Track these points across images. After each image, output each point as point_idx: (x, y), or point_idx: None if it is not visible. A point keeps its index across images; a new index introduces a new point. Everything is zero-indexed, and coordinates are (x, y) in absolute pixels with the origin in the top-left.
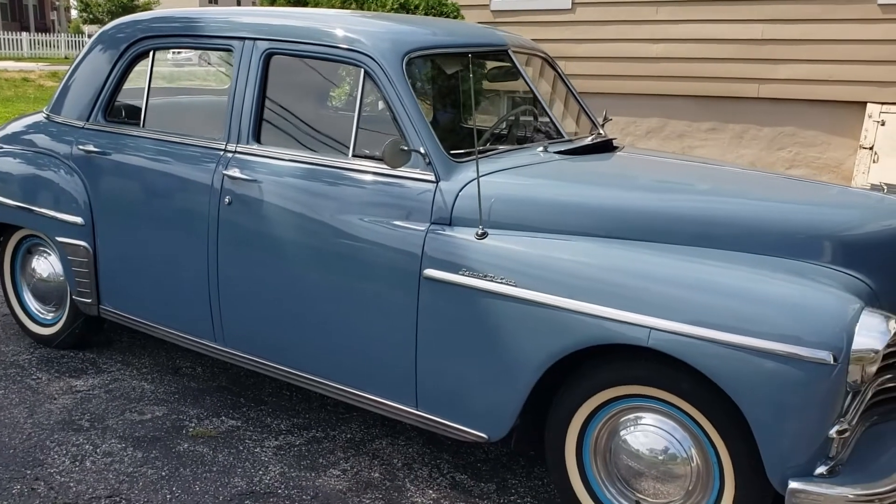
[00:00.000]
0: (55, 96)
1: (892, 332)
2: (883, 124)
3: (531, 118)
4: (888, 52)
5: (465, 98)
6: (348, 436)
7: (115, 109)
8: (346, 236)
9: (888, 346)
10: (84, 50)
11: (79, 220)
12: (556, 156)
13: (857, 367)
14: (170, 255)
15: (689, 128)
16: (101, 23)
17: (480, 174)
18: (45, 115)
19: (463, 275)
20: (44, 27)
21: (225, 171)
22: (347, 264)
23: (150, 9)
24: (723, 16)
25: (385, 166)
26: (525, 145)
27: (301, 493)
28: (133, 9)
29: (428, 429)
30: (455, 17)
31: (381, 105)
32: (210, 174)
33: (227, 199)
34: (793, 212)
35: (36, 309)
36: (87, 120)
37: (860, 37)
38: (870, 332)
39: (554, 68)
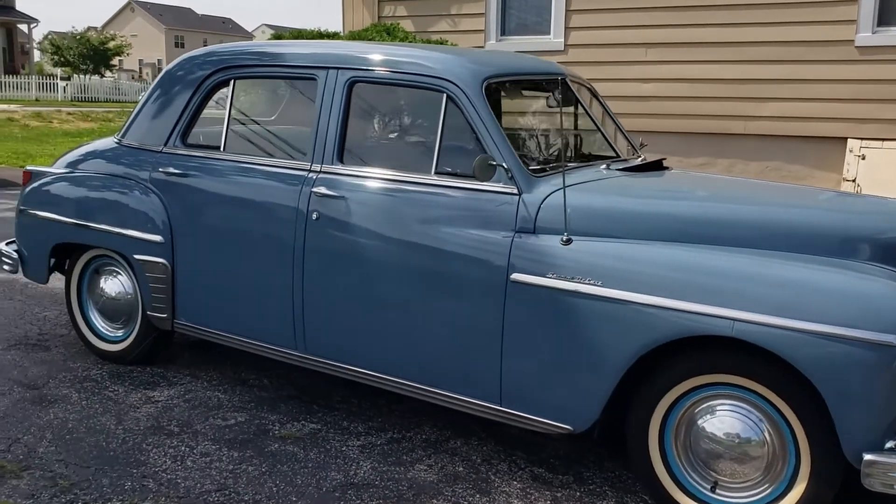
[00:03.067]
0: (127, 124)
1: None
2: (864, 158)
3: (586, 140)
4: (866, 90)
5: (533, 120)
6: (423, 437)
7: (193, 136)
8: (432, 245)
9: None
10: (157, 81)
11: (158, 238)
12: (618, 172)
13: None
14: (252, 269)
15: (682, 163)
16: (71, 65)
17: (559, 188)
18: (116, 142)
19: (551, 278)
20: (13, 70)
21: (312, 189)
22: (435, 271)
23: (122, 52)
24: (709, 57)
25: (468, 181)
26: (589, 163)
27: (396, 485)
28: (104, 52)
29: (508, 423)
30: None
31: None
32: (296, 192)
33: (314, 215)
34: (837, 217)
35: (103, 327)
36: (165, 145)
37: (840, 77)
38: None
39: (596, 97)
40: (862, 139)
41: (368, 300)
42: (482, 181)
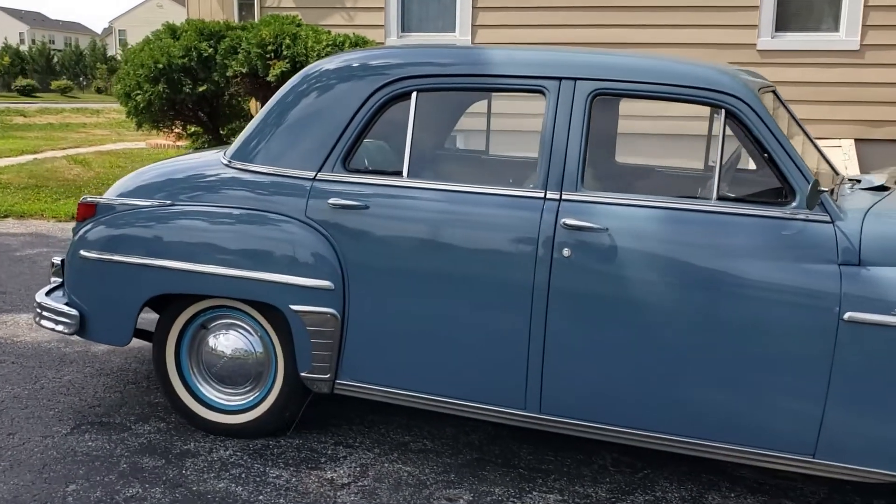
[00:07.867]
0: (243, 142)
1: None
2: None
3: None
4: None
5: None
6: (677, 494)
7: (356, 159)
8: (730, 283)
9: None
10: (297, 86)
11: (327, 284)
12: (867, 193)
13: None
14: (465, 317)
15: None
16: None
17: (866, 211)
18: (225, 164)
19: None
20: None
21: (563, 220)
22: (737, 313)
23: None
24: None
25: (763, 208)
26: (841, 183)
27: None
28: None
29: (819, 474)
30: None
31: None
32: (533, 224)
33: (565, 251)
34: None
35: (216, 395)
36: (320, 170)
37: None
38: None
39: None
40: None
41: (649, 349)
42: (810, 208)
